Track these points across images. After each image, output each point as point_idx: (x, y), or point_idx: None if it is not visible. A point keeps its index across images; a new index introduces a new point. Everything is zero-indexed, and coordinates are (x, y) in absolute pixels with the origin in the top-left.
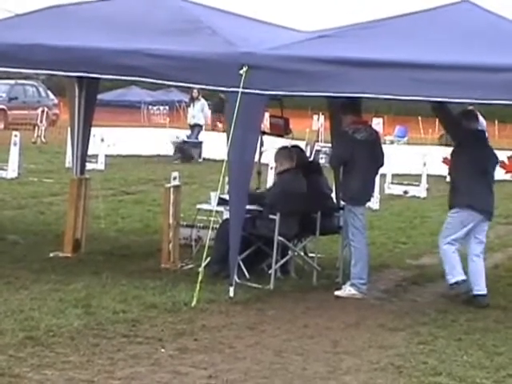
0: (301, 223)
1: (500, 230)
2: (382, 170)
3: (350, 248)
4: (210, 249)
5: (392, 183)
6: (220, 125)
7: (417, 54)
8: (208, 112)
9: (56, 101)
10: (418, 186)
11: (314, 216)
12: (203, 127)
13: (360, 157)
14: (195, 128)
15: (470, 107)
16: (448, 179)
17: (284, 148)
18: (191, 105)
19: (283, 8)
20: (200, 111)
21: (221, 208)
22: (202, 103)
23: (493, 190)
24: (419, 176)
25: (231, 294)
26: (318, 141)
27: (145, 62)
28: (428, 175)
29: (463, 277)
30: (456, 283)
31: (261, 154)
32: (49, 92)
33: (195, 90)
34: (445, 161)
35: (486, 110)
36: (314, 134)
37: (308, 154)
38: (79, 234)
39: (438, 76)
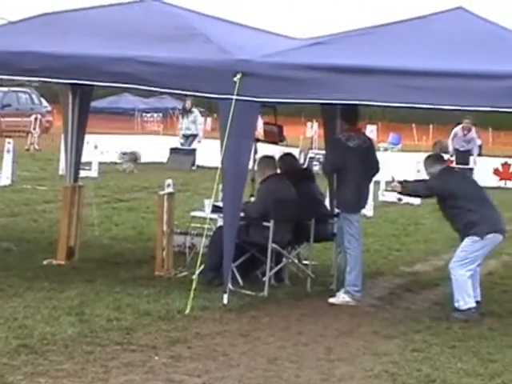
0: (294, 230)
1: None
2: (375, 177)
3: (345, 255)
4: (204, 256)
5: (386, 190)
6: None
7: (410, 60)
8: (201, 121)
9: (49, 108)
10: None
11: (307, 223)
12: (198, 136)
13: (353, 164)
14: (189, 137)
15: (467, 120)
16: None
17: (265, 157)
18: (184, 116)
19: (276, 15)
20: (192, 123)
21: (215, 215)
22: (194, 115)
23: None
24: None
25: (225, 301)
26: (311, 148)
27: (138, 70)
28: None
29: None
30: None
31: (255, 161)
32: (42, 99)
33: (188, 102)
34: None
35: (479, 118)
36: (307, 141)
37: (302, 161)
38: (73, 241)
39: (430, 83)
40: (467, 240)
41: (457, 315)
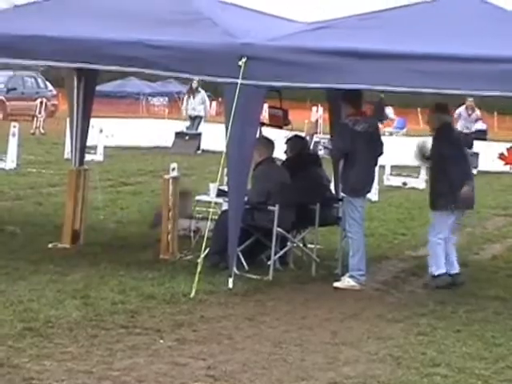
0: (299, 214)
1: (499, 221)
2: (380, 162)
3: (348, 239)
4: (209, 240)
5: (391, 175)
6: None
7: (416, 45)
8: (208, 103)
9: (55, 92)
10: (416, 177)
11: (312, 207)
12: (203, 119)
13: (360, 149)
14: (195, 120)
15: (470, 99)
16: None
17: (263, 138)
18: (190, 96)
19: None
20: (200, 103)
21: (220, 199)
22: (201, 95)
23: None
24: (418, 167)
25: (230, 285)
26: (316, 132)
27: (144, 53)
28: (427, 167)
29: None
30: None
31: None
32: (47, 83)
33: (195, 82)
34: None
35: (485, 102)
36: (312, 125)
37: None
38: (78, 225)
39: (437, 67)
40: None
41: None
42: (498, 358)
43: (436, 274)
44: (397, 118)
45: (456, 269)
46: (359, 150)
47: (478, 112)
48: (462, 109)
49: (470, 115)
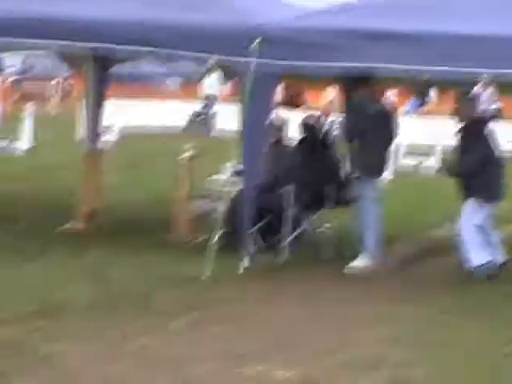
0: (312, 196)
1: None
2: (395, 141)
3: (362, 221)
4: (223, 221)
5: (407, 153)
6: None
7: (439, 24)
8: (223, 82)
9: (70, 72)
10: (432, 156)
11: (326, 188)
12: (217, 98)
13: (373, 130)
14: (210, 99)
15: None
16: None
17: (273, 118)
18: (206, 75)
19: None
20: (216, 81)
21: (235, 179)
22: (217, 74)
23: None
24: (433, 147)
25: (244, 266)
26: (331, 112)
27: (159, 34)
28: (443, 146)
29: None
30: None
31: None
32: (63, 63)
33: (211, 61)
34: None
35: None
36: (327, 105)
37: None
38: (92, 206)
39: (453, 47)
40: None
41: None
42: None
43: (477, 264)
44: (413, 98)
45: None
46: (372, 131)
47: (493, 89)
48: (478, 87)
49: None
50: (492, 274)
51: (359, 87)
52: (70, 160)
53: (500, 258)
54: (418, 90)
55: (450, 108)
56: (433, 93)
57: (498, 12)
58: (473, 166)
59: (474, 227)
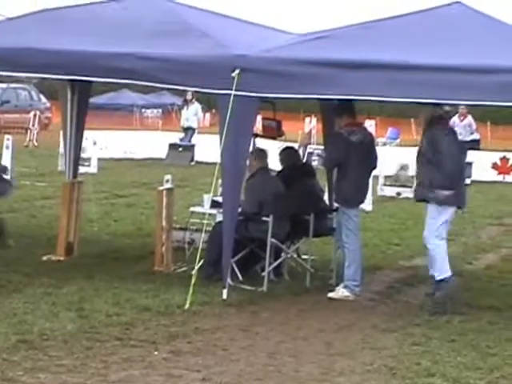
0: (294, 225)
1: (492, 231)
2: (374, 172)
3: (343, 250)
4: (203, 251)
5: (385, 185)
6: None
7: (409, 55)
8: (201, 115)
9: (48, 104)
10: (410, 187)
11: (306, 218)
12: (196, 130)
13: (354, 159)
14: (188, 131)
15: (462, 107)
16: None
17: (256, 149)
18: (185, 107)
19: (274, 10)
20: (194, 114)
21: (214, 211)
22: (195, 106)
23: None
24: (412, 178)
25: (224, 296)
26: (310, 143)
27: (137, 65)
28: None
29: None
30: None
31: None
32: (41, 95)
33: (189, 93)
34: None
35: (478, 112)
36: (306, 136)
37: (301, 156)
38: (72, 237)
39: (429, 78)
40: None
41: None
42: (492, 367)
43: (441, 278)
44: (390, 129)
45: None
46: (353, 161)
47: (470, 119)
48: (455, 117)
49: (462, 121)
50: (450, 292)
51: (342, 117)
52: (51, 191)
53: None
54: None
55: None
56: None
57: (472, 44)
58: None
59: (441, 241)
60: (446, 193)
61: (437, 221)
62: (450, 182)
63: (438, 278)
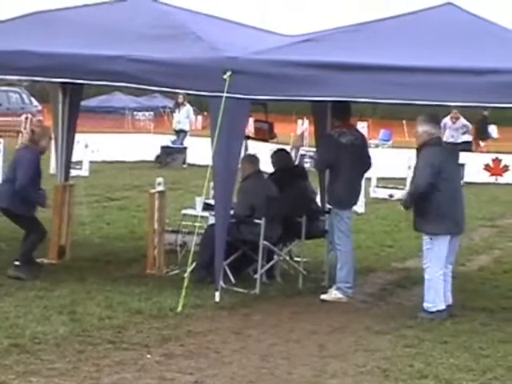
0: (286, 227)
1: (485, 232)
2: (367, 174)
3: (335, 252)
4: (196, 254)
5: (377, 187)
6: None
7: (400, 57)
8: (193, 118)
9: (40, 107)
10: (403, 189)
11: (299, 220)
12: (188, 133)
13: (345, 160)
14: (180, 134)
15: (454, 110)
16: None
17: (246, 155)
18: (176, 110)
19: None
20: (185, 117)
21: (206, 213)
22: (187, 109)
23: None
24: (404, 179)
25: (217, 299)
26: (302, 145)
27: (129, 68)
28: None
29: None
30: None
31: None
32: (32, 99)
33: (181, 96)
34: None
35: (469, 113)
36: (298, 138)
37: (293, 158)
38: (64, 240)
39: (421, 79)
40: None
41: (424, 315)
42: (485, 369)
43: (434, 310)
44: (382, 131)
45: (449, 300)
46: (344, 162)
47: (463, 120)
48: (447, 119)
49: (454, 123)
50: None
51: (334, 119)
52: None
53: (447, 297)
54: (477, 126)
55: None
56: (492, 129)
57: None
58: (428, 184)
59: (440, 275)
60: None
61: None
62: None
63: None
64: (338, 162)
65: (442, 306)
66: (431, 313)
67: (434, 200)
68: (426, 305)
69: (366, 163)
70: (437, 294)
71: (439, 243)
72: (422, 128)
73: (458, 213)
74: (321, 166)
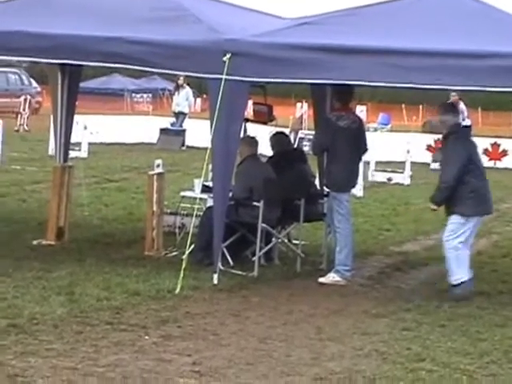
0: (284, 210)
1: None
2: (365, 158)
3: (334, 235)
4: (194, 236)
5: (376, 170)
6: None
7: (398, 40)
8: (192, 100)
9: (39, 89)
10: (401, 173)
11: (297, 203)
12: (187, 115)
13: (343, 144)
14: (179, 116)
15: (454, 94)
16: (432, 166)
17: (245, 137)
18: (176, 93)
19: None
20: (185, 99)
21: (204, 195)
22: (186, 91)
23: None
24: (403, 163)
25: (215, 281)
26: (301, 128)
27: (128, 49)
28: (412, 162)
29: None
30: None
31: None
32: (31, 80)
33: (181, 78)
34: (429, 148)
35: (469, 98)
36: (297, 121)
37: (292, 141)
38: (62, 221)
39: (418, 63)
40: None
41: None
42: (482, 352)
43: (455, 283)
44: (381, 114)
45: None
46: (341, 146)
47: (462, 106)
48: None
49: None
50: (463, 296)
51: (334, 102)
52: (42, 175)
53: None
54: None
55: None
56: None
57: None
58: (453, 178)
59: (458, 243)
60: None
61: None
62: None
63: None
64: (335, 146)
65: (467, 277)
66: (459, 285)
67: (469, 183)
68: (454, 278)
69: (363, 147)
70: (463, 266)
71: (471, 224)
72: (444, 117)
73: (489, 194)
74: (317, 149)
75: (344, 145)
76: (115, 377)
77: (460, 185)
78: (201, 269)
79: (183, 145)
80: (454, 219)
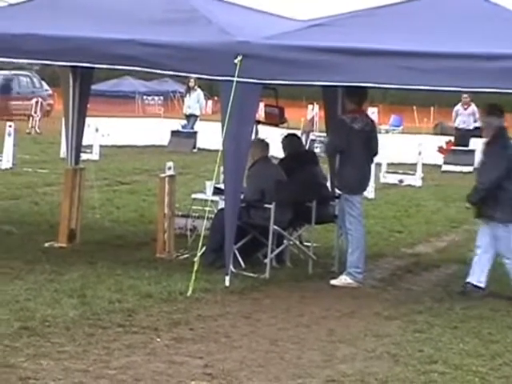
0: (296, 212)
1: None
2: (377, 159)
3: (346, 237)
4: (206, 238)
5: (387, 172)
6: None
7: (411, 42)
8: (203, 102)
9: (50, 91)
10: (413, 174)
11: (309, 205)
12: (198, 118)
13: (356, 146)
14: (191, 118)
15: (465, 96)
16: (444, 168)
17: (255, 140)
18: (187, 95)
19: None
20: (196, 101)
21: (216, 198)
22: (197, 93)
23: None
24: (414, 165)
25: (227, 283)
26: (312, 130)
27: (139, 52)
28: (423, 164)
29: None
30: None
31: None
32: (43, 82)
33: (192, 80)
34: (440, 150)
35: (480, 99)
36: (308, 123)
37: (303, 143)
38: (74, 224)
39: (433, 65)
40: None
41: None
42: (494, 354)
43: (474, 284)
44: (393, 116)
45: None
46: (355, 148)
47: (474, 107)
48: (459, 105)
49: (465, 109)
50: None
51: (347, 103)
52: (53, 178)
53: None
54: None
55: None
56: None
57: (472, 31)
58: (491, 181)
59: (491, 249)
60: None
61: None
62: None
63: None
64: (349, 148)
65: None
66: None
67: (508, 190)
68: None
69: (375, 149)
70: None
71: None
72: (488, 119)
73: None
74: (331, 150)
75: (357, 147)
76: (127, 379)
77: (499, 190)
78: (212, 271)
79: (194, 147)
80: (501, 233)
